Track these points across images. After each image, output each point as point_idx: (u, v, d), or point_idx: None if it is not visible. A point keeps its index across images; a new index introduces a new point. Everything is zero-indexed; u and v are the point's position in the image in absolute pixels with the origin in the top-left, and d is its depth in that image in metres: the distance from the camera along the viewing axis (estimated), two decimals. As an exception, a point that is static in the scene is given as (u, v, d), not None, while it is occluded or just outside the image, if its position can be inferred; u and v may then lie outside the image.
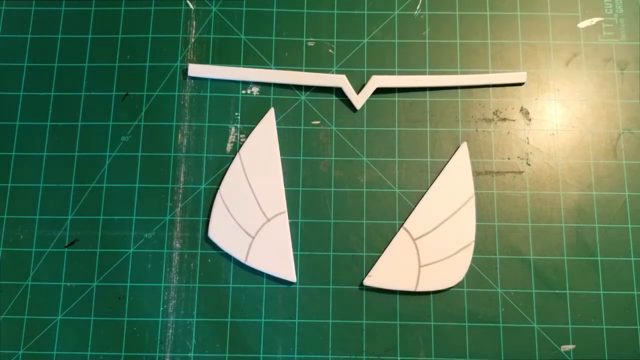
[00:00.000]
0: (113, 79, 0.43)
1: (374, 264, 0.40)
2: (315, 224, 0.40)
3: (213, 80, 0.43)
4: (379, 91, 0.43)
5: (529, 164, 0.42)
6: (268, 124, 0.42)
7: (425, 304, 0.39)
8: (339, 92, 0.43)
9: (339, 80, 0.42)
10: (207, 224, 0.40)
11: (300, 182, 0.41)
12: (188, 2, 0.44)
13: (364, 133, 0.42)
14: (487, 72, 0.43)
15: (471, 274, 0.39)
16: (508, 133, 0.42)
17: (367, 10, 0.44)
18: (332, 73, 0.43)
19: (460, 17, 0.44)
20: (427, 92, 0.43)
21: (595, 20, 0.44)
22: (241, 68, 0.43)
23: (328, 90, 0.43)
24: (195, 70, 0.42)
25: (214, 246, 0.40)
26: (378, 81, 0.42)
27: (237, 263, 0.40)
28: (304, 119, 0.42)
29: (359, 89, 0.42)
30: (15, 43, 0.44)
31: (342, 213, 0.41)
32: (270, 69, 0.43)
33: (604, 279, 0.39)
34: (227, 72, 0.43)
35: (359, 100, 0.42)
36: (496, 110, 0.42)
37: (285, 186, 0.41)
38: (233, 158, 0.41)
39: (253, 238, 0.40)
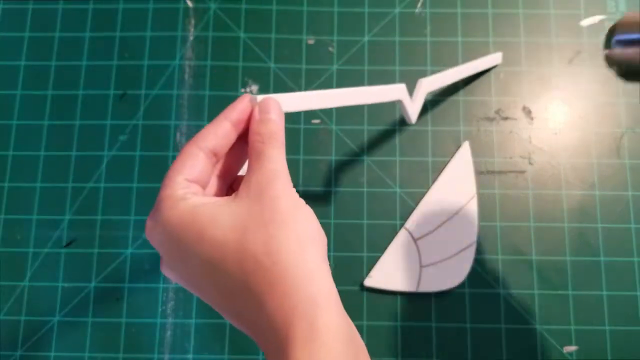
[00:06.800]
0: (111, 78, 0.42)
1: (374, 265, 0.39)
2: (316, 224, 0.40)
3: (212, 78, 0.42)
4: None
5: (531, 164, 0.41)
6: (268, 123, 0.41)
7: (426, 304, 0.39)
8: (339, 90, 0.42)
9: (399, 93, 0.35)
10: (206, 224, 0.40)
11: (300, 182, 0.41)
12: (187, 0, 0.44)
13: (365, 132, 0.42)
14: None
15: (473, 274, 0.39)
16: (510, 132, 0.42)
17: (368, 8, 0.44)
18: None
19: (462, 15, 0.44)
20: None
21: (598, 18, 0.44)
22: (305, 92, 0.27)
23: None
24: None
25: (213, 246, 0.40)
26: (425, 85, 0.37)
27: (237, 263, 0.40)
28: (304, 118, 0.42)
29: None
30: (12, 41, 0.43)
31: (342, 213, 0.40)
32: (270, 67, 0.43)
33: (607, 280, 0.39)
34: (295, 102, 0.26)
35: (414, 112, 0.36)
36: (498, 109, 0.42)
37: (285, 186, 0.40)
38: (232, 157, 0.41)
39: (252, 238, 0.39)
